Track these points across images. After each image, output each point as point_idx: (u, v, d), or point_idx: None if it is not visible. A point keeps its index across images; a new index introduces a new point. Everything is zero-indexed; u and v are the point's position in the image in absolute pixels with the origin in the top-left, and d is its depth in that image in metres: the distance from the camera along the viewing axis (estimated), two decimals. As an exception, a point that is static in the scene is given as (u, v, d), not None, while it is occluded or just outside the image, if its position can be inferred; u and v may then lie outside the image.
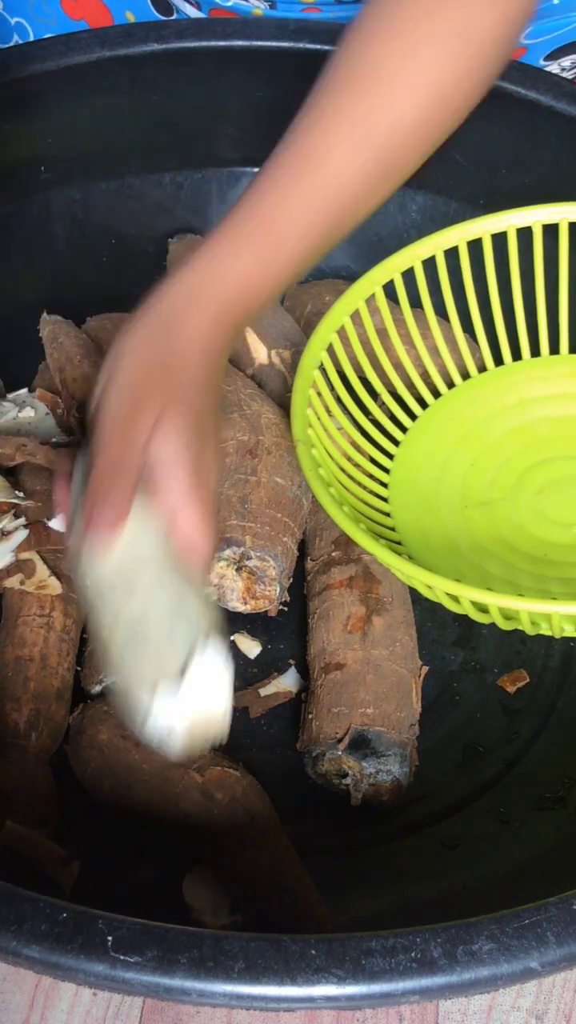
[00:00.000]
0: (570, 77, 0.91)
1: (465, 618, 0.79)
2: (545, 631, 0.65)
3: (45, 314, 0.86)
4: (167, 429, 0.55)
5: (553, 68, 0.91)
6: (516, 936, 0.48)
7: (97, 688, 0.71)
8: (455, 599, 0.65)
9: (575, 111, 0.79)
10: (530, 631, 0.66)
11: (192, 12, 0.92)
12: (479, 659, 0.78)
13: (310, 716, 0.70)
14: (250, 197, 0.62)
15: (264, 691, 0.75)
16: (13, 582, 0.71)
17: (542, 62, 0.91)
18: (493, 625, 0.78)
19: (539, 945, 0.47)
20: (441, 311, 0.81)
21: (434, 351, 0.82)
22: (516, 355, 0.82)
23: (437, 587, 0.63)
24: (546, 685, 0.76)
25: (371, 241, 0.92)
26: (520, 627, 0.65)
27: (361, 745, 0.67)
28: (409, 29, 0.62)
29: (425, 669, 0.73)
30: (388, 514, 0.76)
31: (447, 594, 0.64)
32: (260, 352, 0.83)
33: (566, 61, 0.91)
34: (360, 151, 0.62)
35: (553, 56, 0.91)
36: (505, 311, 0.81)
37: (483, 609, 0.65)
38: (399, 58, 0.62)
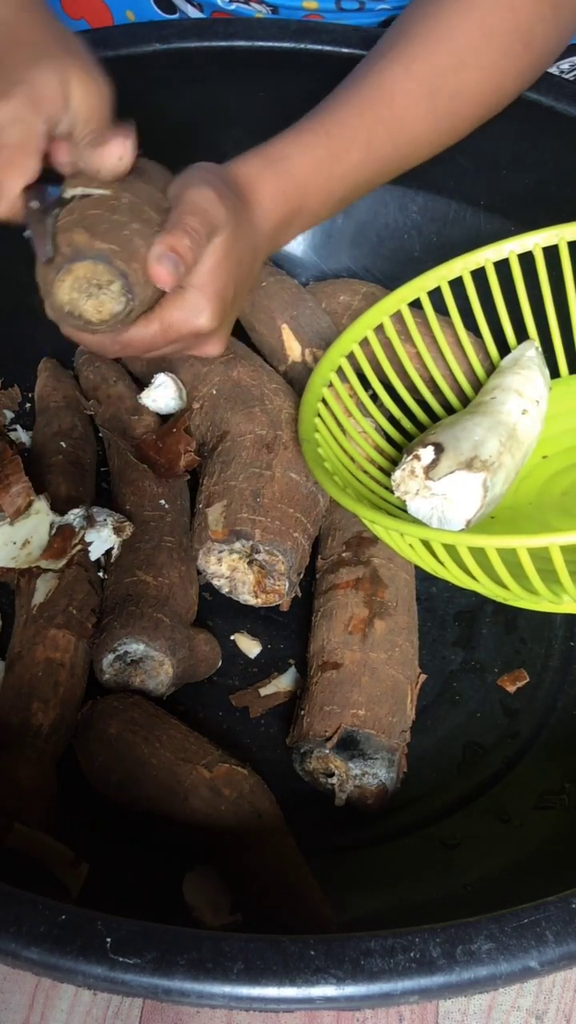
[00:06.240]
0: (570, 79, 0.91)
1: (465, 617, 0.80)
2: (569, 605, 0.64)
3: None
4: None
5: (552, 70, 0.91)
6: (515, 935, 0.48)
7: (110, 656, 0.70)
8: (471, 576, 0.64)
9: (575, 111, 0.79)
10: (552, 606, 0.64)
11: (194, 15, 0.92)
12: (479, 659, 0.78)
13: (302, 712, 0.70)
14: (317, 116, 0.67)
15: (264, 691, 0.75)
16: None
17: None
18: (493, 625, 0.79)
19: (538, 944, 0.48)
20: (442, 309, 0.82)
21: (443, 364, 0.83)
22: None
23: (433, 539, 0.62)
24: (546, 685, 0.77)
25: (371, 242, 0.92)
26: (543, 604, 0.64)
27: (349, 745, 0.67)
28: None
29: (423, 677, 0.73)
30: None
31: (464, 572, 0.64)
32: (294, 350, 0.84)
33: (565, 64, 0.91)
34: (425, 100, 0.68)
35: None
36: (517, 331, 0.82)
37: (499, 582, 0.63)
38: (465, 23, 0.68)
